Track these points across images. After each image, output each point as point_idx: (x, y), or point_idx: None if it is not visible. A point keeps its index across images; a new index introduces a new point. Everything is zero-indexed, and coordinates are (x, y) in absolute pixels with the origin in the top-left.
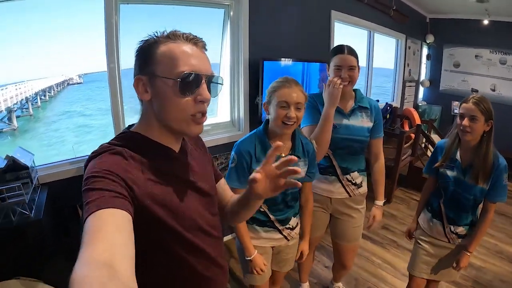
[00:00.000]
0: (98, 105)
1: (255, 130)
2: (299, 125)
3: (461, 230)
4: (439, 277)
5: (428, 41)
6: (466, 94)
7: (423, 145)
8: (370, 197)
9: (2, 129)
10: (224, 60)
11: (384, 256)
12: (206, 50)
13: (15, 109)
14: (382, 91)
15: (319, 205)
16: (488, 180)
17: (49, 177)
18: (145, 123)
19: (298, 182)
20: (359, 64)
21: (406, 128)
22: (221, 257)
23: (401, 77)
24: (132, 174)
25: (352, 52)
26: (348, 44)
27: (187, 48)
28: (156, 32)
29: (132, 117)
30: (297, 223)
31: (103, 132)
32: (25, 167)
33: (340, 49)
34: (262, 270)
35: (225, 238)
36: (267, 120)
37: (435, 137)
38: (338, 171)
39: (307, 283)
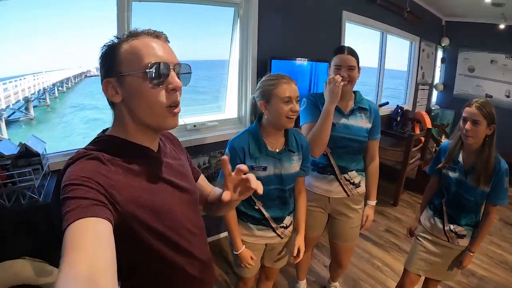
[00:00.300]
0: None
1: (248, 128)
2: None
3: (460, 230)
4: (435, 275)
5: (443, 44)
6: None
7: (433, 150)
8: (380, 200)
9: (19, 118)
10: (233, 58)
11: (385, 259)
12: (168, 42)
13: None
14: (394, 94)
15: (317, 204)
16: (489, 183)
17: (59, 165)
18: (119, 126)
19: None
20: (360, 64)
21: (417, 131)
22: (206, 256)
23: (414, 79)
24: (111, 179)
25: (352, 52)
26: (350, 46)
27: (150, 41)
28: (117, 35)
29: None
30: (291, 221)
31: None
32: (37, 154)
33: (341, 49)
34: (249, 264)
35: (216, 237)
36: (260, 118)
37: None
38: (336, 170)
39: (304, 281)
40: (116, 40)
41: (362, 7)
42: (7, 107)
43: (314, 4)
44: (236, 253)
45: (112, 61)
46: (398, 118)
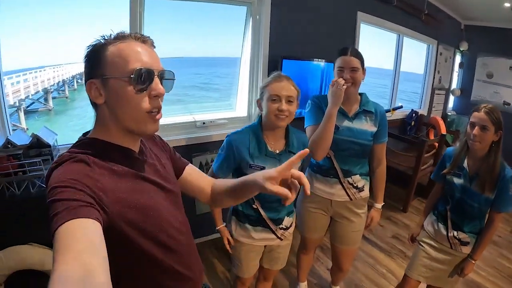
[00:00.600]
0: None
1: (250, 125)
2: (291, 121)
3: (464, 236)
4: (435, 283)
5: (461, 49)
6: (497, 106)
7: None
8: (389, 205)
9: (38, 108)
10: (245, 56)
11: (389, 265)
12: (154, 47)
13: (51, 90)
14: (409, 97)
15: (319, 207)
16: (494, 190)
17: None
18: (101, 128)
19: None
20: (364, 66)
21: (431, 137)
22: (194, 255)
23: (431, 84)
24: (97, 181)
25: (355, 54)
26: (354, 47)
27: (136, 46)
28: (103, 36)
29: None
30: (291, 223)
31: None
32: (48, 145)
33: (344, 50)
34: (229, 242)
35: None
36: (261, 116)
37: None
38: (339, 173)
39: (305, 283)
40: (102, 41)
41: (377, 8)
42: (26, 97)
43: (328, 4)
44: (217, 228)
45: (97, 62)
46: (412, 123)
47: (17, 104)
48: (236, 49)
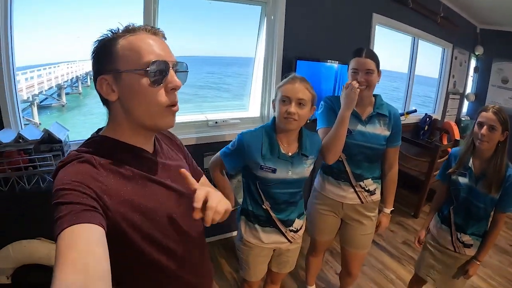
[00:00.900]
0: None
1: (263, 125)
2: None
3: (467, 239)
4: (442, 286)
5: (476, 53)
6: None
7: None
8: (400, 210)
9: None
10: (258, 56)
11: (398, 271)
12: (165, 39)
13: (65, 86)
14: (424, 101)
15: (330, 209)
16: (499, 190)
17: None
18: (114, 125)
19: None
20: (380, 68)
21: (445, 142)
22: (204, 261)
23: (445, 88)
24: (102, 183)
25: (371, 55)
26: (370, 48)
27: (148, 38)
28: (111, 30)
29: None
30: (302, 226)
31: None
32: (59, 141)
33: (359, 51)
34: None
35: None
36: (275, 118)
37: None
38: (351, 177)
39: (314, 287)
40: (110, 35)
41: (393, 11)
42: (40, 92)
43: (343, 5)
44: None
45: (108, 57)
46: (426, 127)
47: (31, 99)
48: (250, 49)
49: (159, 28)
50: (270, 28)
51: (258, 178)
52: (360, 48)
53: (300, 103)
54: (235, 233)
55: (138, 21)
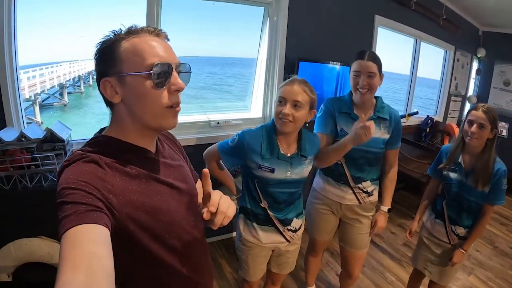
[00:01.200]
0: None
1: (264, 125)
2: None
3: (461, 231)
4: (440, 280)
5: (479, 55)
6: None
7: None
8: (401, 212)
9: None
10: (261, 57)
11: (399, 273)
12: (168, 40)
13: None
14: (425, 103)
15: (329, 208)
16: (488, 184)
17: None
18: (118, 126)
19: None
20: (382, 71)
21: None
22: (205, 260)
23: (447, 90)
24: (108, 183)
25: (373, 58)
26: (373, 51)
27: (151, 40)
28: (114, 31)
29: None
30: (301, 225)
31: None
32: (61, 140)
33: (361, 54)
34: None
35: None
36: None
37: None
38: (350, 179)
39: (314, 287)
40: (113, 37)
41: (395, 12)
42: (42, 91)
43: (345, 7)
44: (236, 197)
45: (111, 59)
46: (428, 129)
47: (33, 98)
48: (253, 50)
49: (161, 29)
50: (272, 29)
51: (257, 177)
52: (363, 50)
53: (296, 105)
54: (235, 234)
55: (141, 21)
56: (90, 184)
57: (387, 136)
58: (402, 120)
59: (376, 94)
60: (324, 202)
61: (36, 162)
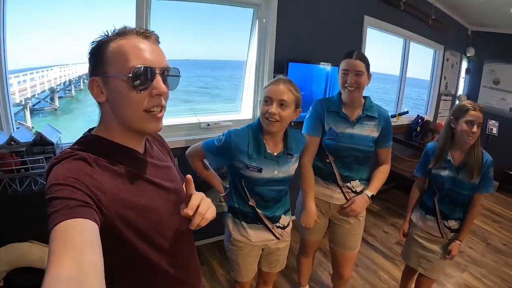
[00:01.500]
0: None
1: (250, 124)
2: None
3: (453, 224)
4: (432, 274)
5: (468, 55)
6: (504, 113)
7: None
8: (394, 211)
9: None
10: (251, 59)
11: (392, 272)
12: (159, 43)
13: (58, 89)
14: (416, 103)
15: (318, 208)
16: (480, 175)
17: None
18: (105, 126)
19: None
20: (370, 71)
21: None
22: (193, 259)
23: (437, 90)
24: (96, 180)
25: (361, 57)
26: (360, 51)
27: (138, 42)
28: (107, 32)
29: None
30: (289, 222)
31: None
32: (51, 143)
33: (349, 53)
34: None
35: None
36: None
37: None
38: (339, 178)
39: (307, 287)
40: (104, 37)
41: (384, 13)
42: (33, 96)
43: (335, 7)
44: (222, 195)
45: (99, 59)
46: (418, 129)
47: (23, 102)
48: (242, 52)
49: (152, 32)
50: (262, 30)
51: (244, 177)
52: (352, 50)
53: (282, 104)
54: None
55: (131, 24)
56: (79, 180)
57: (376, 134)
58: (392, 119)
59: (366, 95)
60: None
61: (25, 166)
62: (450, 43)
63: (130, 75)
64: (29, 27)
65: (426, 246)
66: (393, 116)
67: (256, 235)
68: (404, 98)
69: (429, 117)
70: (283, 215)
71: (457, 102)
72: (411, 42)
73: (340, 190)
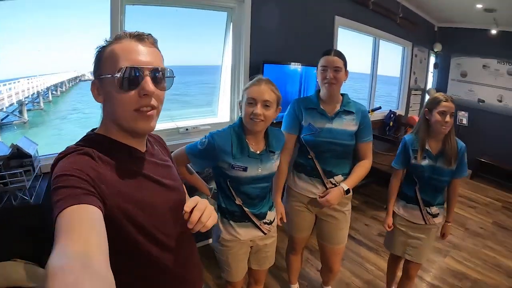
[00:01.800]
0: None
1: (231, 125)
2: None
3: (435, 210)
4: (418, 259)
5: (435, 50)
6: (472, 104)
7: None
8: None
9: (13, 121)
10: (226, 62)
11: (378, 263)
12: (156, 45)
13: (26, 102)
14: (387, 100)
15: (303, 204)
16: (456, 161)
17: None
18: (105, 126)
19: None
20: (347, 68)
21: None
22: (194, 255)
23: (407, 85)
24: (100, 174)
25: (338, 54)
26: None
27: (130, 45)
28: (106, 39)
29: None
30: (274, 217)
31: None
32: (29, 156)
33: (328, 51)
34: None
35: (206, 242)
36: (241, 118)
37: None
38: (322, 174)
39: (297, 285)
40: (105, 43)
41: (354, 13)
42: (0, 110)
43: (306, 9)
44: (209, 196)
45: (97, 63)
46: (391, 123)
47: None
48: (217, 57)
49: (148, 34)
50: (236, 33)
51: (229, 177)
52: (330, 48)
53: (266, 105)
54: (211, 240)
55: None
56: (84, 172)
57: (354, 128)
58: (368, 114)
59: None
60: (298, 199)
61: (4, 181)
62: (418, 40)
63: (118, 75)
64: None
65: (410, 234)
66: None
67: (245, 233)
68: (376, 96)
69: (401, 111)
70: (268, 211)
71: (427, 96)
72: (380, 40)
73: (324, 186)
